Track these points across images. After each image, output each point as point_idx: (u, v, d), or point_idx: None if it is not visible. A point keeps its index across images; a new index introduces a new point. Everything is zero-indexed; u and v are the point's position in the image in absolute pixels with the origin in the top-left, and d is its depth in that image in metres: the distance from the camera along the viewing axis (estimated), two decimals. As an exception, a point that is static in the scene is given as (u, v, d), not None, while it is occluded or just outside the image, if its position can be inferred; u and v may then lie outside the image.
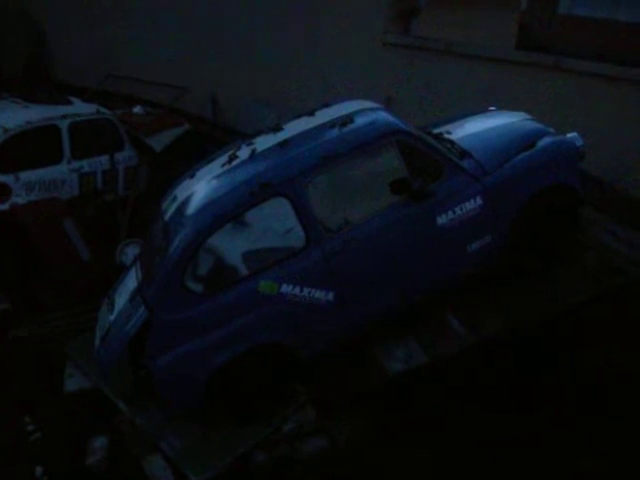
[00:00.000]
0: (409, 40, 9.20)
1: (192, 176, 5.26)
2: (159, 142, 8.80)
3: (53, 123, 7.66)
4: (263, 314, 4.70)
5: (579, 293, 5.18)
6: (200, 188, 4.97)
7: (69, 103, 8.21)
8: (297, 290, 4.71)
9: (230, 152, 5.25)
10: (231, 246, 4.70)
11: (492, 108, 6.21)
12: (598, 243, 5.67)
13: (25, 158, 7.39)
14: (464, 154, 5.18)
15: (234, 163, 5.05)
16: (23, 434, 5.19)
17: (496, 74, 8.26)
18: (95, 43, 11.34)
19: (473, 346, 4.99)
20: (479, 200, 4.97)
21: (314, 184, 4.74)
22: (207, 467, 4.66)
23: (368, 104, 5.35)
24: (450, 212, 4.91)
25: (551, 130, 5.51)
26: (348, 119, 5.02)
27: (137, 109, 9.57)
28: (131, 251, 6.22)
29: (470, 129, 5.63)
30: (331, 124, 5.04)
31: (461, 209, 4.92)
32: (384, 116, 5.12)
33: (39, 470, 4.89)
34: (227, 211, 4.68)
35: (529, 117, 5.82)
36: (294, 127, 5.25)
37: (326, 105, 5.57)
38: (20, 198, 7.26)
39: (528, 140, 5.29)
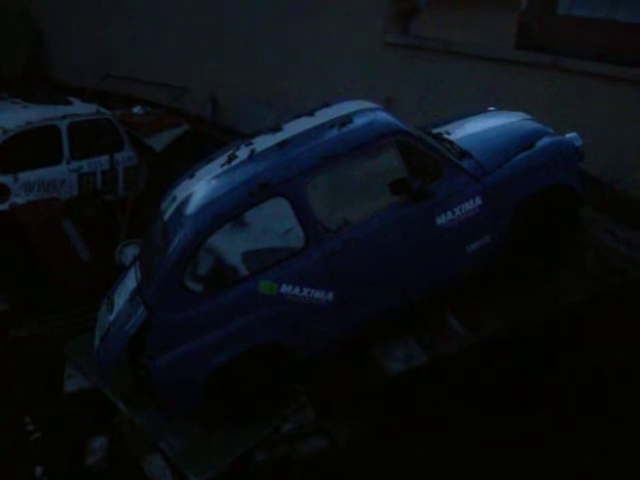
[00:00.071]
0: (409, 40, 9.20)
1: (191, 176, 5.26)
2: (159, 142, 8.79)
3: (53, 123, 7.65)
4: (263, 314, 4.70)
5: (578, 293, 5.18)
6: (199, 188, 4.97)
7: (69, 103, 8.19)
8: (297, 290, 4.72)
9: (229, 152, 5.25)
10: (231, 246, 4.70)
11: (491, 108, 6.22)
12: (597, 243, 5.68)
13: (24, 158, 7.38)
14: (463, 154, 5.18)
15: (233, 163, 5.05)
16: (23, 434, 5.19)
17: (496, 74, 8.27)
18: (94, 43, 11.34)
19: (473, 346, 4.99)
20: (478, 200, 4.97)
21: (313, 184, 4.74)
22: (207, 467, 4.66)
23: (367, 104, 5.35)
24: (449, 212, 4.91)
25: (550, 130, 5.51)
26: (347, 119, 5.02)
27: (137, 109, 9.58)
28: (130, 251, 6.20)
29: (469, 129, 5.63)
30: (330, 124, 5.04)
31: (460, 209, 4.93)
32: (383, 116, 5.13)
33: (39, 470, 4.89)
34: (226, 211, 4.68)
35: (528, 117, 5.82)
36: (293, 127, 5.25)
37: (326, 105, 5.56)
38: (19, 198, 7.26)
39: (527, 140, 5.29)
